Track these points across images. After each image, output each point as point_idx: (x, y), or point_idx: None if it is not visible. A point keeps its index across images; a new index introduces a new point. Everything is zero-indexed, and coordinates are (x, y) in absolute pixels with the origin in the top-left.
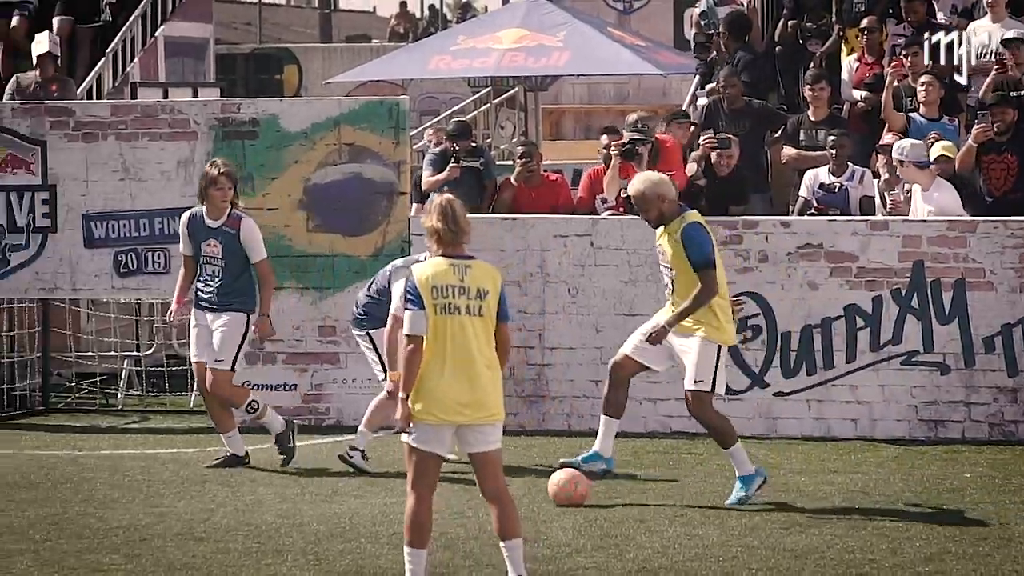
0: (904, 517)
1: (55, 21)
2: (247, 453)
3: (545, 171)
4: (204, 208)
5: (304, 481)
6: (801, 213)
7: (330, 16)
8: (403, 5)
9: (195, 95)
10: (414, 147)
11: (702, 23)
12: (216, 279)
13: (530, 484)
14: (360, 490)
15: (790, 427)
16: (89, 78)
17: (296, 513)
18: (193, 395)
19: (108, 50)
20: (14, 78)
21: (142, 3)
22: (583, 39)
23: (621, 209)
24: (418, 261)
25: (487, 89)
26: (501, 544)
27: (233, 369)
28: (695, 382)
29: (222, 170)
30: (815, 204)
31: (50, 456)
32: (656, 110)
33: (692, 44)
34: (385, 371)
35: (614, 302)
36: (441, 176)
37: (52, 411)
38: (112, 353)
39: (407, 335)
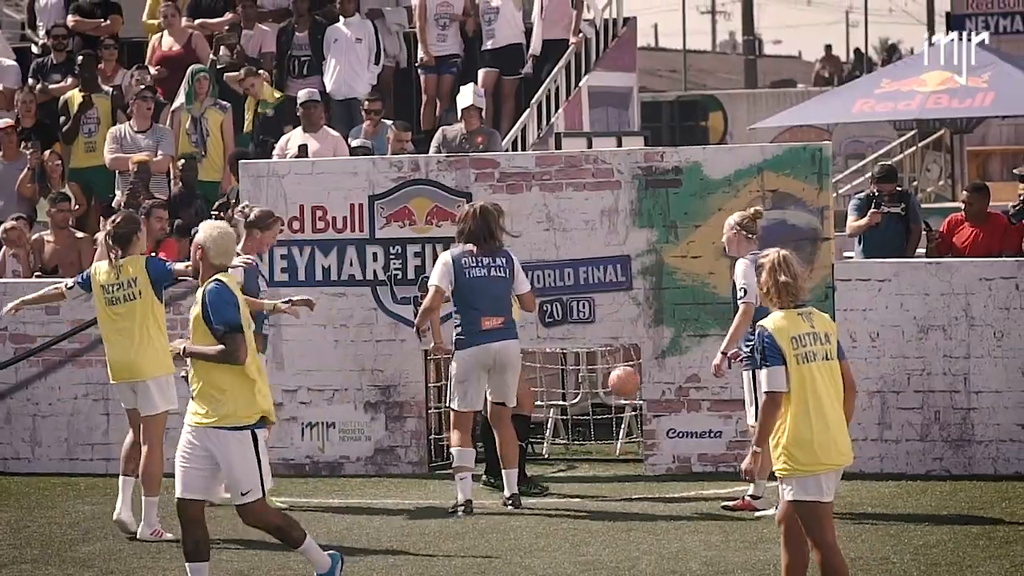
0: None
1: (480, 74)
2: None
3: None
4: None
5: (728, 528)
6: None
7: (755, 62)
8: (828, 49)
9: (619, 144)
10: (840, 191)
11: None
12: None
13: (956, 530)
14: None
15: None
16: (514, 129)
17: (721, 560)
18: (619, 443)
19: (532, 101)
20: (440, 131)
21: (566, 54)
22: (1008, 80)
23: None
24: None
25: (912, 132)
26: None
27: None
28: (242, 494)
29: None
30: None
31: (476, 505)
32: None
33: None
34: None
35: None
36: (863, 221)
37: (479, 461)
38: (538, 402)
39: (767, 392)
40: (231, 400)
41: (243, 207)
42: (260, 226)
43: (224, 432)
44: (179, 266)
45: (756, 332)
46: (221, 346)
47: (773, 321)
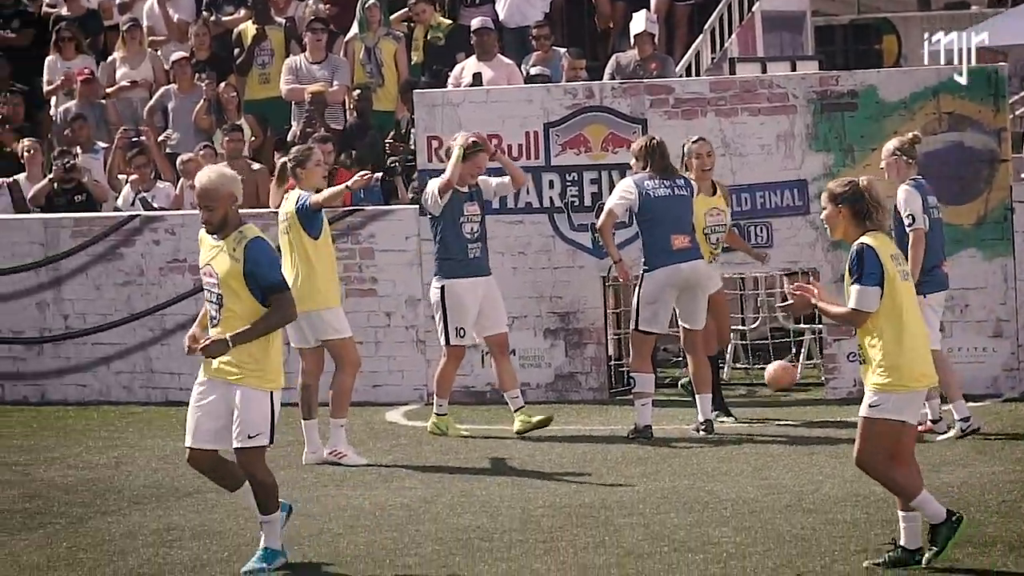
0: None
1: (652, 0)
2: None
3: None
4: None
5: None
6: None
7: None
8: None
9: (793, 69)
10: (1016, 113)
11: None
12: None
13: None
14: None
15: None
16: (687, 55)
17: None
18: (800, 367)
19: (706, 27)
20: (613, 58)
21: None
22: None
23: None
24: None
25: None
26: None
27: None
28: (249, 437)
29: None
30: None
31: (656, 430)
32: None
33: None
34: None
35: None
36: None
37: (659, 386)
38: None
39: (856, 310)
40: (255, 363)
41: (457, 137)
42: (472, 153)
43: (244, 388)
44: (315, 197)
45: (855, 250)
46: (272, 311)
47: (872, 238)
